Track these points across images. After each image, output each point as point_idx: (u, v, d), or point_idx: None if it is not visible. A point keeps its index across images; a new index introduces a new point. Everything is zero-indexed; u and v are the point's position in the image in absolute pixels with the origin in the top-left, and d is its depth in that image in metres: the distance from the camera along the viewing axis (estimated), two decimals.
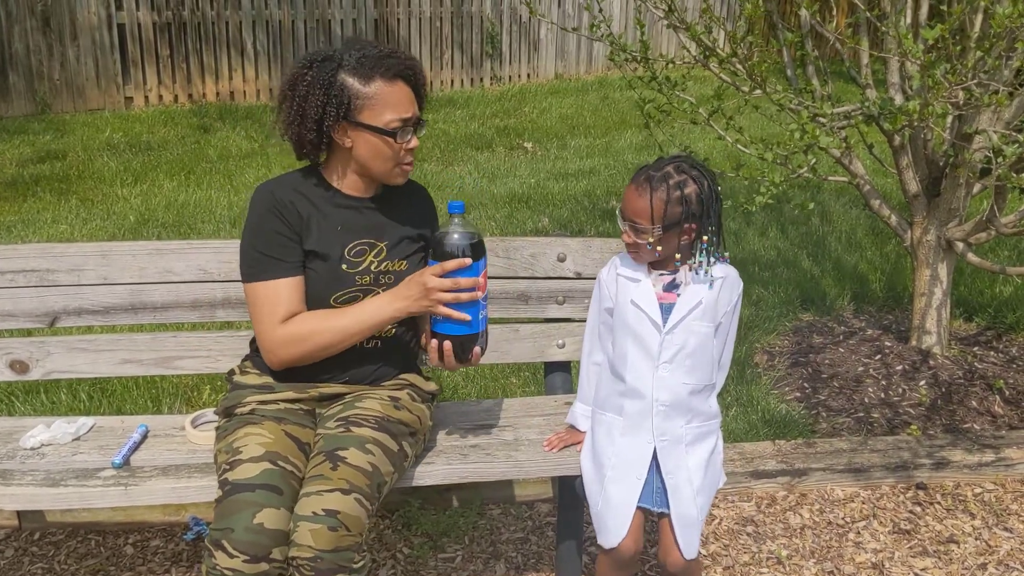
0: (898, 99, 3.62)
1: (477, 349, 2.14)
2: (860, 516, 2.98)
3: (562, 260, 2.62)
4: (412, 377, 2.34)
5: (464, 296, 2.05)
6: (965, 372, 3.72)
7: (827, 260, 5.17)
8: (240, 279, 2.21)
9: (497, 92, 11.08)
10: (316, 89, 2.14)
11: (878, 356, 3.87)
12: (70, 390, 3.54)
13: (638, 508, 2.18)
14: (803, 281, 4.81)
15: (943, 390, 3.60)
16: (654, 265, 2.20)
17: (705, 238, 2.10)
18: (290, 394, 2.21)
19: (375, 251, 2.24)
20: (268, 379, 2.25)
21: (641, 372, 2.17)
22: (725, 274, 2.15)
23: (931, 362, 3.77)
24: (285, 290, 2.14)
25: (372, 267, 2.22)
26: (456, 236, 2.06)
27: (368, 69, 2.14)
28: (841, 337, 4.14)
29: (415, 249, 2.31)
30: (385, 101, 2.13)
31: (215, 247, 2.49)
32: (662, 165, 2.10)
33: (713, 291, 2.13)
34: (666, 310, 2.15)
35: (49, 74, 9.23)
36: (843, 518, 2.97)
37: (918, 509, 3.01)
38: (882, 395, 3.60)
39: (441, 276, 2.05)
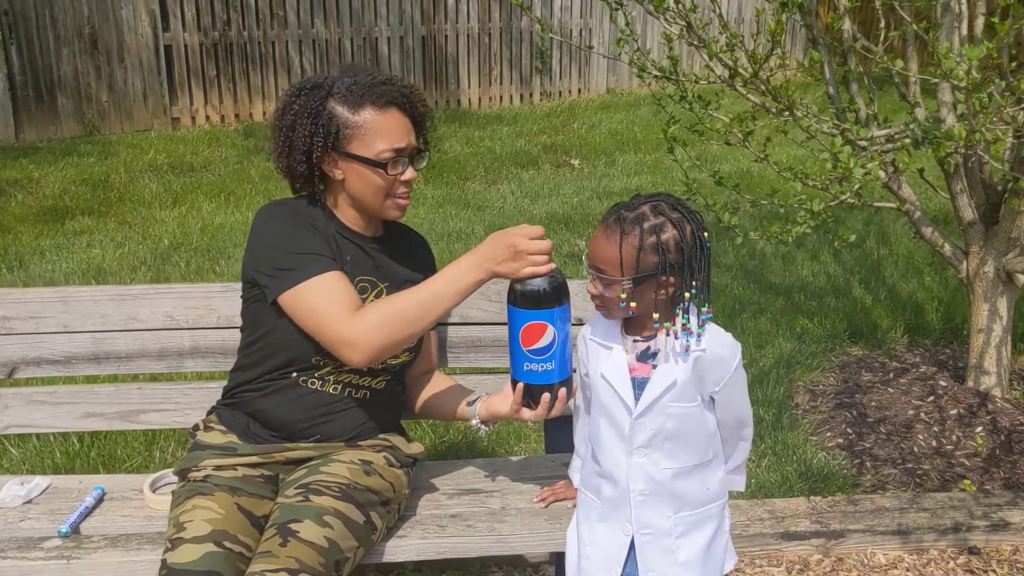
0: (949, 119, 3.31)
1: (564, 391, 1.98)
2: None
3: None
4: (394, 438, 2.13)
5: (542, 267, 1.84)
6: None
7: (881, 287, 4.83)
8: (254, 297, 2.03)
9: (547, 108, 10.86)
10: (304, 118, 1.98)
11: (931, 398, 3.54)
12: (25, 445, 3.37)
13: None
14: (853, 311, 4.49)
15: (1002, 438, 3.26)
16: (629, 327, 1.91)
17: (687, 296, 1.80)
18: (253, 458, 2.01)
19: (376, 291, 2.07)
20: (232, 438, 2.05)
21: (615, 456, 1.90)
22: (707, 348, 1.83)
23: (989, 406, 3.43)
24: (341, 283, 1.94)
25: None
26: (536, 283, 1.87)
27: (358, 97, 1.97)
28: (892, 375, 3.81)
29: None
30: (376, 130, 1.97)
31: (181, 292, 2.31)
32: (637, 204, 1.81)
33: (689, 366, 1.82)
34: (640, 385, 1.86)
35: (97, 96, 9.27)
36: None
37: None
38: (934, 443, 3.28)
39: (532, 237, 1.86)
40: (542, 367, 1.91)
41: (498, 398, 2.09)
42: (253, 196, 7.48)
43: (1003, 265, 3.38)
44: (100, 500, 2.17)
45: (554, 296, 1.86)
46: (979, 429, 3.32)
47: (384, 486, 1.99)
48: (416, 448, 2.14)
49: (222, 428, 2.08)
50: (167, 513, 2.10)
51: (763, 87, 2.65)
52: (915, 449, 3.25)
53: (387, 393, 2.11)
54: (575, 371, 2.01)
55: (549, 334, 1.88)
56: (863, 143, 2.73)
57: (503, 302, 2.36)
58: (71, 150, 8.68)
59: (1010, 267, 3.35)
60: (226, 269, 5.59)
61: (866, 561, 2.77)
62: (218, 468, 1.97)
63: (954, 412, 3.43)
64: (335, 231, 2.07)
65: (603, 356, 1.91)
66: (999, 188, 3.39)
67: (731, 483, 2.01)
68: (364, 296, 2.04)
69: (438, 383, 2.25)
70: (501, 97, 11.10)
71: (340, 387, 2.03)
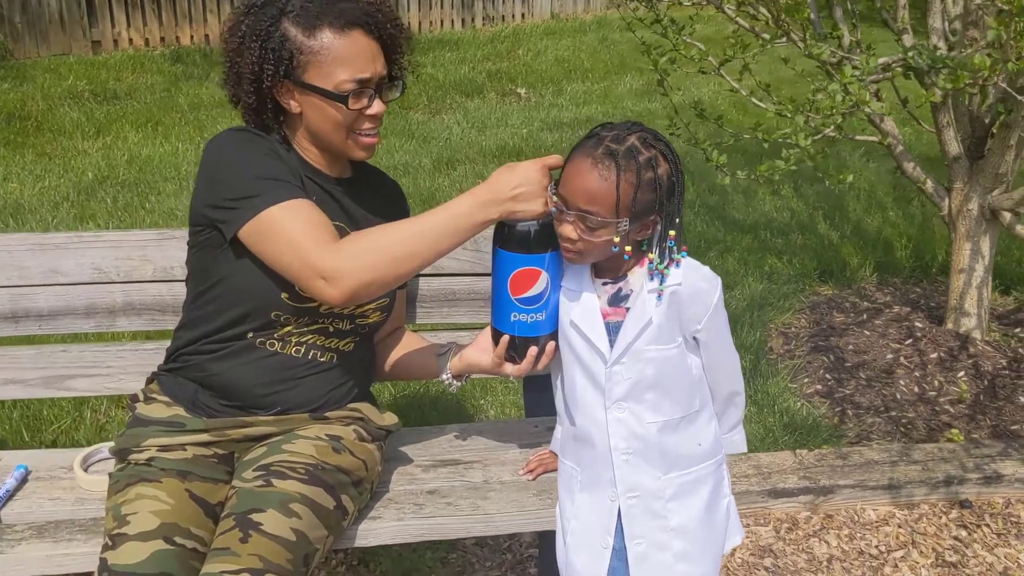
0: (942, 47, 3.11)
1: (553, 344, 1.77)
2: (897, 543, 2.54)
3: None
4: (365, 408, 1.88)
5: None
6: (1010, 360, 3.26)
7: (846, 223, 4.68)
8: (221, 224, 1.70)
9: (490, 34, 10.45)
10: (252, 41, 1.69)
11: (909, 341, 3.41)
12: None
13: None
14: (820, 248, 4.33)
15: (986, 383, 3.15)
16: (598, 270, 1.72)
17: (672, 233, 1.63)
18: (204, 436, 1.75)
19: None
20: (178, 411, 1.78)
21: (592, 412, 1.72)
22: (683, 281, 1.66)
23: (971, 348, 3.31)
24: (314, 210, 1.67)
25: None
26: (527, 224, 1.65)
27: (314, 16, 1.68)
28: (865, 316, 3.67)
29: None
30: (335, 57, 1.68)
31: (110, 240, 2.01)
32: (623, 136, 1.59)
33: (665, 304, 1.66)
34: (614, 330, 1.69)
35: (9, 17, 8.62)
36: (877, 546, 2.53)
37: (964, 534, 2.58)
38: (916, 389, 3.15)
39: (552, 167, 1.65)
40: (531, 318, 1.70)
41: (474, 350, 1.86)
42: (183, 126, 7.04)
43: (988, 203, 3.22)
44: (23, 481, 1.90)
45: (549, 238, 1.65)
46: (961, 374, 3.20)
47: (356, 464, 1.75)
48: (389, 419, 1.90)
49: (166, 399, 1.81)
50: (102, 496, 1.85)
51: (765, 9, 2.40)
52: (897, 396, 3.12)
53: (356, 357, 1.86)
54: None
55: (542, 281, 1.67)
56: (857, 73, 2.52)
57: (480, 250, 2.12)
58: None
59: (996, 204, 3.20)
60: (156, 205, 5.22)
61: (856, 518, 2.63)
62: (163, 448, 1.70)
63: (934, 356, 3.30)
64: (301, 169, 1.79)
65: (572, 303, 1.73)
66: (986, 121, 3.22)
67: (730, 445, 1.84)
68: None
69: (408, 342, 2.01)
70: (442, 21, 10.66)
71: (303, 349, 1.78)
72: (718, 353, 1.73)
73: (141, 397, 1.84)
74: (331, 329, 1.79)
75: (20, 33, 8.69)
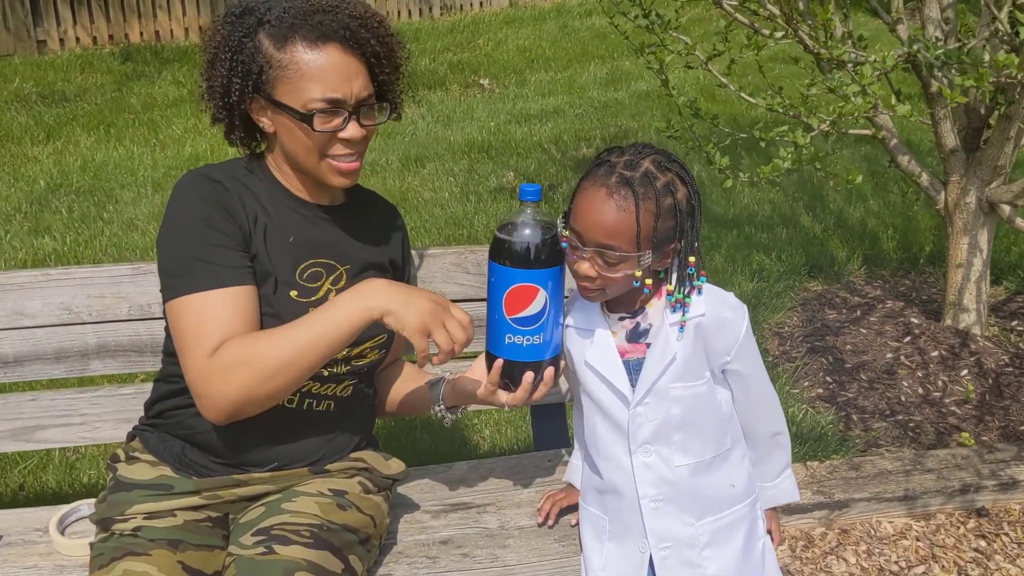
0: (940, 38, 3.01)
1: (552, 370, 1.60)
2: (917, 559, 2.44)
3: None
4: (369, 457, 1.72)
5: (440, 359, 1.46)
6: (1012, 357, 3.18)
7: (828, 215, 4.59)
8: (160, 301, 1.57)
9: (448, 23, 10.26)
10: (224, 52, 1.55)
11: (907, 339, 3.32)
12: None
13: None
14: (806, 243, 4.24)
15: (990, 382, 3.07)
16: (611, 304, 1.59)
17: (692, 259, 1.51)
18: (195, 498, 1.59)
19: (333, 276, 1.64)
20: (165, 471, 1.61)
21: (616, 458, 1.60)
22: (707, 311, 1.54)
23: (971, 346, 3.23)
24: (223, 306, 1.49)
25: (330, 297, 1.61)
26: (524, 237, 1.50)
27: (286, 28, 1.51)
28: (859, 312, 3.58)
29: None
30: (303, 73, 1.52)
31: (82, 277, 1.84)
32: (636, 161, 1.48)
33: (690, 337, 1.53)
34: (635, 368, 1.56)
35: None
36: (897, 562, 2.43)
37: (983, 544, 2.49)
38: (920, 390, 3.06)
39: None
40: (528, 340, 1.54)
41: (466, 377, 1.71)
42: (136, 128, 6.79)
43: (986, 195, 3.14)
44: None
45: (551, 253, 1.51)
46: (964, 373, 3.11)
47: (363, 521, 1.60)
48: (396, 467, 1.75)
49: (150, 458, 1.64)
50: (84, 562, 1.67)
51: (775, 7, 2.28)
52: (902, 398, 3.03)
53: (355, 401, 1.70)
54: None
55: (540, 300, 1.51)
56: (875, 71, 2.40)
57: (484, 273, 1.97)
58: None
59: (994, 197, 3.12)
60: (115, 215, 4.99)
61: (872, 532, 2.53)
62: (151, 515, 1.54)
63: (935, 354, 3.22)
64: (282, 199, 1.64)
65: (585, 343, 1.60)
66: (982, 112, 3.13)
67: (778, 494, 1.70)
68: (318, 284, 1.62)
69: (408, 375, 1.86)
70: (399, 12, 10.44)
71: (296, 399, 1.61)
72: (754, 386, 1.61)
73: (122, 456, 1.67)
74: (325, 374, 1.63)
75: None
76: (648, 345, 1.56)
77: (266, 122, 1.58)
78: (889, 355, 3.25)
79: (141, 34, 9.07)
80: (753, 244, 4.22)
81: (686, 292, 1.52)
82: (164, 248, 1.53)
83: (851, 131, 3.30)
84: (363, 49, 1.55)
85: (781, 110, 2.83)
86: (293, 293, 1.58)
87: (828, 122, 2.76)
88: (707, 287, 1.56)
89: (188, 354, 1.47)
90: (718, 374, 1.60)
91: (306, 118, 1.52)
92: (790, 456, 1.70)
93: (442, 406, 1.75)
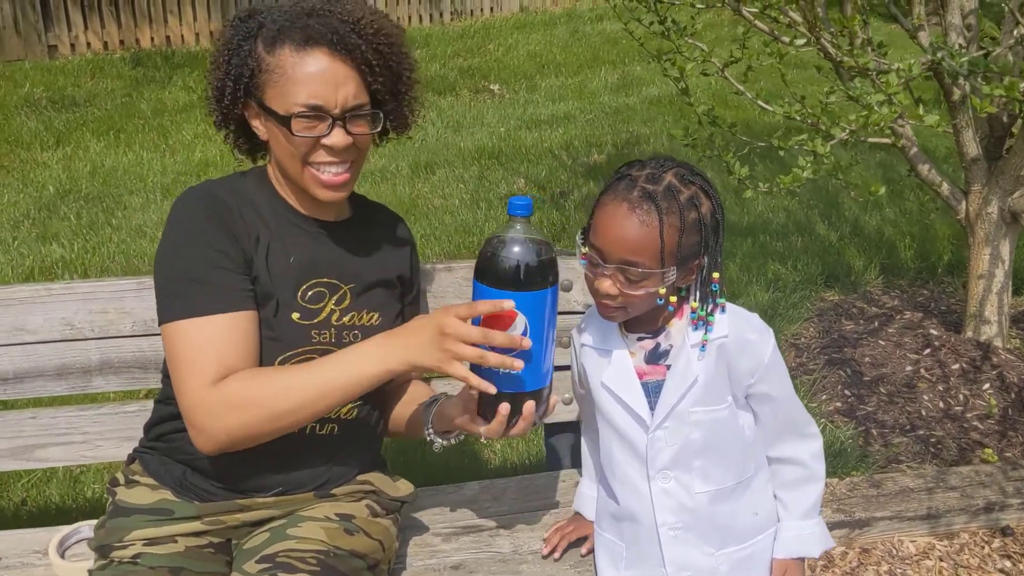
0: (962, 45, 2.95)
1: (553, 398, 1.50)
2: None
3: (567, 289, 1.94)
4: (376, 479, 1.66)
5: (492, 359, 1.34)
6: None
7: (843, 223, 4.53)
8: (156, 322, 1.51)
9: (459, 28, 10.22)
10: (222, 55, 1.52)
11: (927, 351, 3.25)
12: None
13: None
14: (822, 251, 4.17)
15: (1013, 396, 3.00)
16: (630, 324, 1.53)
17: (716, 275, 1.45)
18: (195, 524, 1.53)
19: (336, 296, 1.58)
20: (165, 495, 1.56)
21: (633, 483, 1.54)
22: (730, 332, 1.48)
23: (993, 359, 3.16)
24: (222, 332, 1.43)
25: (334, 319, 1.56)
26: (507, 254, 1.37)
27: (276, 31, 1.48)
28: (877, 323, 3.51)
29: (390, 299, 1.66)
30: (289, 77, 1.47)
31: (84, 293, 1.79)
32: (658, 174, 1.43)
33: (712, 359, 1.47)
34: (654, 391, 1.50)
35: None
36: None
37: (1008, 564, 2.42)
38: (941, 404, 2.99)
39: (468, 319, 1.35)
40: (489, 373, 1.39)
41: (452, 400, 1.58)
42: (146, 133, 6.76)
43: (1008, 205, 3.07)
44: None
45: (534, 274, 1.37)
46: (987, 387, 3.04)
47: (371, 546, 1.55)
48: (404, 488, 1.69)
49: (150, 481, 1.58)
50: None
51: (799, 15, 2.22)
52: (923, 412, 2.96)
53: (361, 423, 1.64)
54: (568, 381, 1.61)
55: (519, 325, 1.38)
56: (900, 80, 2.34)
57: None
58: None
59: (1017, 207, 3.05)
60: (124, 221, 4.96)
61: (894, 551, 2.47)
62: (151, 541, 1.49)
63: (956, 367, 3.15)
64: (284, 214, 1.58)
65: (602, 363, 1.55)
66: (1005, 120, 3.06)
67: (804, 541, 1.59)
68: (321, 305, 1.55)
69: (416, 394, 1.76)
70: (410, 17, 10.41)
71: None
72: (783, 408, 1.54)
73: (122, 480, 1.62)
74: None
75: None
76: (668, 367, 1.50)
77: (260, 128, 1.54)
78: (909, 368, 3.19)
79: (152, 39, 9.05)
80: (768, 253, 4.16)
81: (709, 310, 1.47)
82: (162, 267, 1.48)
83: (870, 140, 3.24)
84: (352, 55, 1.48)
85: (799, 118, 2.77)
86: (295, 315, 1.53)
87: (850, 131, 2.70)
88: (730, 307, 1.50)
89: (184, 382, 1.41)
90: (740, 398, 1.54)
91: (285, 121, 1.46)
92: (822, 492, 1.62)
93: (431, 430, 1.61)
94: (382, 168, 5.77)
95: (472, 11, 10.81)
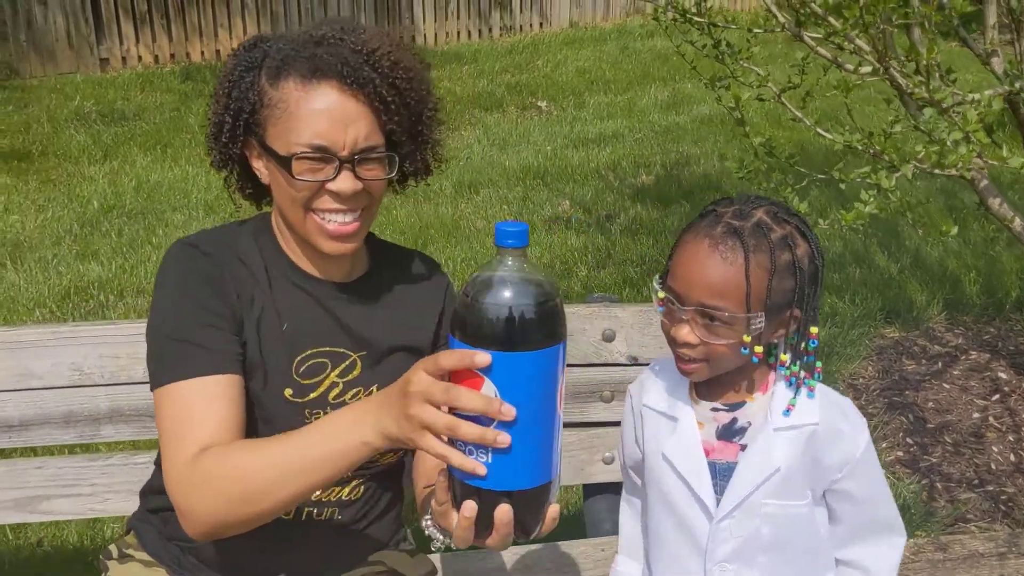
0: None
1: (553, 508, 1.09)
2: None
3: (609, 339, 1.80)
4: (392, 558, 1.51)
5: (464, 430, 0.99)
6: None
7: (904, 254, 4.32)
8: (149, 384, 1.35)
9: (507, 44, 10.14)
10: (225, 87, 1.36)
11: (996, 396, 3.06)
12: None
13: None
14: (882, 285, 3.97)
15: None
16: (702, 388, 1.36)
17: (814, 331, 1.28)
18: None
19: (342, 367, 1.41)
20: (161, 573, 1.43)
21: (686, 573, 1.36)
22: (820, 419, 1.29)
23: None
24: (207, 398, 1.26)
25: (332, 395, 1.39)
26: (492, 300, 1.00)
27: (280, 61, 1.33)
28: (940, 364, 3.32)
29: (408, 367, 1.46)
30: (291, 113, 1.30)
31: (91, 336, 1.69)
32: (747, 210, 1.27)
33: (798, 447, 1.29)
34: (722, 473, 1.32)
35: (14, 35, 8.35)
36: None
37: None
38: (1012, 457, 2.80)
39: (440, 377, 1.03)
40: (467, 450, 1.02)
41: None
42: (193, 148, 6.74)
43: None
44: None
45: (529, 328, 1.00)
46: None
47: None
48: (424, 567, 1.52)
49: (145, 557, 1.45)
50: None
51: (867, 44, 2.06)
52: (992, 466, 2.77)
53: (368, 503, 1.47)
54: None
55: (487, 391, 1.00)
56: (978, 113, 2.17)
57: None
58: None
59: None
60: (164, 240, 4.90)
61: None
62: None
63: None
64: (285, 273, 1.41)
65: (665, 430, 1.37)
66: None
67: None
68: (319, 379, 1.38)
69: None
70: (459, 32, 10.35)
71: (292, 510, 1.38)
72: (864, 511, 1.35)
73: (115, 554, 1.49)
74: None
75: (25, 52, 8.43)
76: (743, 447, 1.32)
77: (262, 171, 1.38)
78: (976, 415, 2.99)
79: (202, 53, 9.09)
80: (824, 285, 3.97)
81: (802, 376, 1.29)
82: (149, 331, 1.34)
83: (936, 171, 3.05)
84: (365, 89, 1.31)
85: (861, 147, 2.60)
86: (287, 392, 1.36)
87: (926, 168, 2.52)
88: (821, 389, 1.32)
89: (167, 457, 1.25)
90: (819, 493, 1.35)
91: (285, 163, 1.29)
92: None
93: (430, 519, 1.29)
94: (424, 188, 5.63)
95: (521, 26, 10.73)
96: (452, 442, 1.02)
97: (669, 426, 1.36)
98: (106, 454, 1.75)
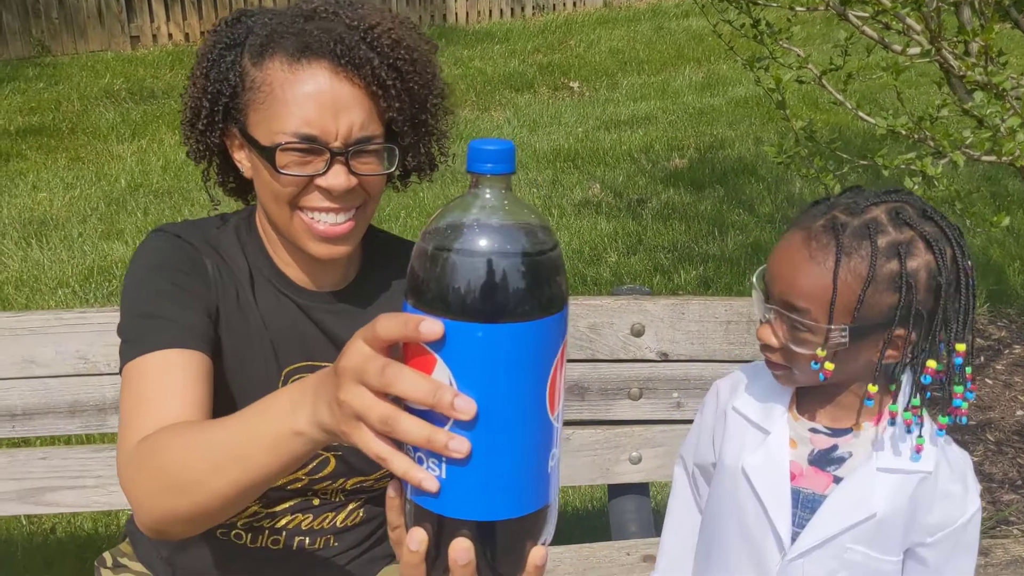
0: None
1: (537, 553, 0.76)
2: None
3: (638, 334, 1.71)
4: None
5: (404, 425, 0.70)
6: None
7: None
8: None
9: (540, 23, 10.00)
10: (200, 67, 1.21)
11: None
12: None
13: None
14: None
15: None
16: (805, 402, 1.20)
17: (931, 365, 1.10)
18: None
19: None
20: None
21: None
22: (936, 468, 1.14)
23: None
24: (164, 375, 1.09)
25: None
26: (454, 248, 0.70)
27: (265, 38, 1.16)
28: (983, 357, 3.20)
29: None
30: (276, 97, 1.14)
31: (98, 323, 1.62)
32: (864, 205, 1.11)
33: (903, 495, 1.13)
34: (805, 504, 1.18)
35: (46, 12, 8.35)
36: None
37: None
38: None
39: (383, 351, 0.72)
40: (419, 457, 0.73)
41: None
42: None
43: None
44: None
45: (478, 291, 0.68)
46: None
47: None
48: None
49: (139, 568, 1.37)
50: None
51: (920, 23, 1.95)
52: None
53: (370, 527, 1.38)
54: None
55: (439, 374, 0.70)
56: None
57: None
58: (17, 74, 7.81)
59: None
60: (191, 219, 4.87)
61: None
62: None
63: None
64: (269, 279, 1.27)
65: (751, 441, 1.22)
66: None
67: None
68: None
69: None
70: (490, 11, 10.23)
71: (282, 538, 1.29)
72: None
73: (108, 562, 1.41)
74: (316, 503, 1.29)
75: (57, 29, 8.43)
76: (836, 480, 1.17)
77: (244, 163, 1.22)
78: (1020, 412, 2.88)
79: None
80: (969, 310, 3.85)
81: (918, 417, 1.13)
82: (122, 310, 1.20)
83: (984, 158, 2.93)
84: (361, 71, 1.15)
85: (905, 132, 2.49)
86: None
87: (976, 156, 2.40)
88: (945, 440, 1.18)
89: (119, 439, 1.08)
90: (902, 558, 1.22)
91: (268, 154, 1.13)
92: None
93: None
94: (453, 171, 5.58)
95: (555, 5, 10.59)
96: (401, 443, 0.73)
97: (757, 438, 1.22)
98: (112, 445, 1.69)
